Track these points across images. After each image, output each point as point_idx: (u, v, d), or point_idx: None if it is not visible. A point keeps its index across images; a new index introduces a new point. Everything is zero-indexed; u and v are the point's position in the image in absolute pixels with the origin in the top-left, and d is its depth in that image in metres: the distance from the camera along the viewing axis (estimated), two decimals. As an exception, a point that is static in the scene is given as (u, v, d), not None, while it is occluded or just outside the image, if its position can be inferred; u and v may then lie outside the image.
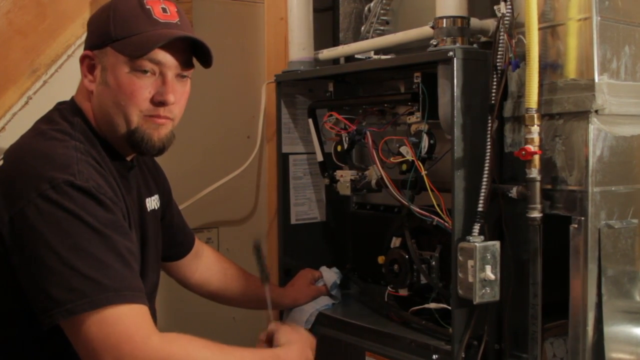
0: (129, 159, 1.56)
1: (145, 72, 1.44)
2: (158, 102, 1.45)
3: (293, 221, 2.12)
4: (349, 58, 2.06)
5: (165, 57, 1.45)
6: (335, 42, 2.24)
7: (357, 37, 2.16)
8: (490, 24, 1.67)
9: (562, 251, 1.51)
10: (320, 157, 2.03)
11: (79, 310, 1.26)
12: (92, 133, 1.48)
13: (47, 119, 1.50)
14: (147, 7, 1.45)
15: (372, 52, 1.98)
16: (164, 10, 1.47)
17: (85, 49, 1.50)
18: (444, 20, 1.61)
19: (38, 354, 1.43)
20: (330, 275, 2.03)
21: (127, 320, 1.29)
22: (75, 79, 1.98)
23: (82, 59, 1.49)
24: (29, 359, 1.43)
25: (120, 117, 1.45)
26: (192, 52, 1.50)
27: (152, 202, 1.67)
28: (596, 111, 1.44)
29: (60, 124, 1.46)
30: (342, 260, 2.15)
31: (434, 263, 1.77)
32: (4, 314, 1.40)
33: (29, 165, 1.34)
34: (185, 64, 1.49)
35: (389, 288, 1.85)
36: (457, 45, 1.58)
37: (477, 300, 1.52)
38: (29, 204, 1.30)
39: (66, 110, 1.50)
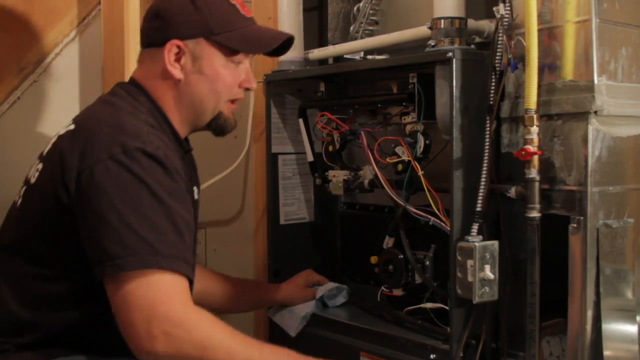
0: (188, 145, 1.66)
1: (242, 62, 1.57)
2: (246, 88, 1.60)
3: (282, 221, 2.11)
4: (338, 58, 2.07)
5: None
6: (322, 42, 2.24)
7: (345, 37, 2.16)
8: (485, 25, 1.69)
9: (557, 250, 1.53)
10: (310, 157, 2.03)
11: (127, 267, 1.31)
12: (161, 116, 1.55)
13: (112, 93, 1.57)
14: (232, 2, 1.57)
15: (362, 52, 1.98)
16: (243, 5, 1.59)
17: (167, 38, 1.52)
18: (442, 21, 1.61)
19: (80, 313, 1.45)
20: (329, 286, 1.99)
21: (168, 285, 1.33)
22: (65, 78, 1.96)
23: (170, 47, 1.52)
24: (71, 317, 1.44)
25: (212, 102, 1.56)
26: None
27: (196, 193, 1.72)
28: (595, 112, 1.46)
29: (126, 99, 1.53)
30: (331, 260, 2.15)
31: (427, 263, 1.77)
32: (54, 267, 1.44)
33: (103, 132, 1.40)
34: None
35: (383, 288, 1.85)
36: (456, 46, 1.59)
37: (476, 299, 1.53)
38: (98, 163, 1.35)
39: (130, 89, 1.56)
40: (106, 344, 1.44)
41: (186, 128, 1.60)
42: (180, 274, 1.35)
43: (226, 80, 1.55)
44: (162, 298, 1.31)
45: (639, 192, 1.56)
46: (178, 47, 1.52)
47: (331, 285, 1.98)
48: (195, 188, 1.70)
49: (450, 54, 1.56)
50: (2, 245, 1.50)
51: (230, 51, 1.54)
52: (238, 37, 1.54)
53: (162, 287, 1.32)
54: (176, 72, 1.53)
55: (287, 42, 1.65)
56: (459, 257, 1.55)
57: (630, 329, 1.53)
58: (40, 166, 1.47)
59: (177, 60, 1.53)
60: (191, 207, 1.48)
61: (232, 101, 1.59)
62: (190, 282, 1.38)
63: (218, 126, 1.60)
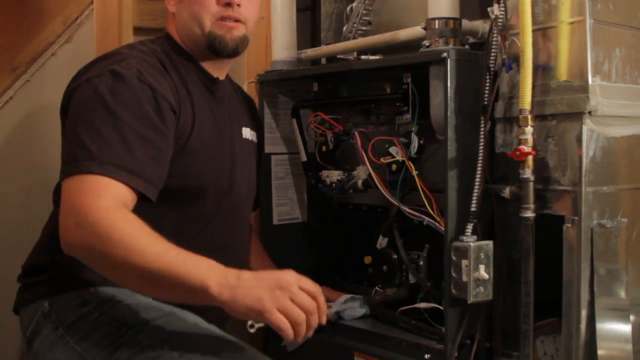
0: (215, 74, 1.73)
1: None
2: (224, 3, 1.62)
3: (275, 222, 2.11)
4: (331, 58, 2.07)
5: None
6: (315, 42, 2.24)
7: (338, 37, 2.15)
8: (479, 25, 1.69)
9: (549, 249, 1.53)
10: (304, 157, 2.03)
11: (67, 173, 1.41)
12: (176, 48, 1.68)
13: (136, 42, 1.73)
14: None
15: (355, 52, 1.99)
16: None
17: None
18: (437, 21, 1.62)
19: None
20: (341, 299, 1.88)
21: (93, 185, 1.38)
22: (58, 78, 1.95)
23: None
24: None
25: (196, 25, 1.64)
26: None
27: (249, 133, 1.84)
28: (589, 112, 1.46)
29: (142, 42, 1.68)
30: (324, 260, 2.15)
31: (421, 263, 1.78)
32: None
33: (92, 62, 1.58)
34: None
35: (377, 288, 1.85)
36: (451, 46, 1.59)
37: (471, 299, 1.53)
38: (78, 86, 1.51)
39: (156, 37, 1.72)
40: None
41: (204, 57, 1.69)
42: (115, 178, 1.39)
43: (201, 1, 1.62)
44: (81, 195, 1.37)
45: (632, 192, 1.57)
46: None
47: (343, 297, 1.88)
48: (250, 130, 1.84)
49: (444, 54, 1.56)
50: None
51: None
52: None
53: (87, 187, 1.37)
54: (170, 7, 1.69)
55: None
56: (453, 257, 1.55)
57: (624, 328, 1.54)
58: None
59: None
60: (159, 124, 1.49)
61: (222, 20, 1.64)
62: (141, 193, 1.43)
63: (210, 45, 1.65)
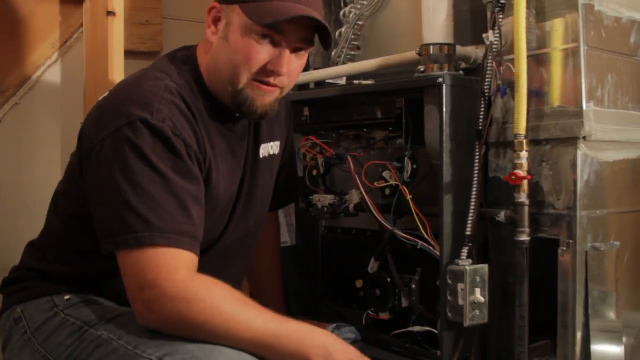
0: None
1: (265, 37, 1.45)
2: (270, 70, 1.47)
3: (264, 246, 2.10)
4: (318, 82, 2.08)
5: (288, 29, 1.45)
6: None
7: (326, 61, 2.17)
8: (471, 51, 1.71)
9: (542, 272, 1.55)
10: (294, 181, 2.02)
11: (124, 245, 1.34)
12: (200, 84, 1.53)
13: (159, 60, 1.59)
14: None
15: (344, 77, 2.00)
16: None
17: (214, 1, 1.52)
18: (431, 47, 1.64)
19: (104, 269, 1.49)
20: (330, 329, 1.85)
21: (162, 259, 1.34)
22: (48, 101, 1.94)
23: (210, 9, 1.51)
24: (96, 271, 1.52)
25: (230, 76, 1.48)
26: (314, 31, 1.50)
27: (270, 147, 1.73)
28: (584, 137, 1.49)
29: (166, 66, 1.53)
30: (312, 284, 2.14)
31: (413, 286, 1.78)
32: (78, 229, 1.52)
33: (118, 100, 1.44)
34: (306, 40, 1.50)
35: (369, 311, 1.85)
36: (445, 71, 1.61)
37: (467, 322, 1.54)
38: (107, 137, 1.38)
39: (180, 57, 1.57)
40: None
41: (226, 100, 1.53)
42: (179, 247, 1.35)
43: (244, 52, 1.46)
44: (154, 270, 1.33)
45: (624, 215, 1.60)
46: (216, 9, 1.50)
47: (330, 327, 1.86)
48: (272, 143, 1.73)
49: (440, 79, 1.57)
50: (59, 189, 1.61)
51: (254, 22, 1.44)
52: (262, 8, 1.44)
53: (156, 262, 1.34)
54: (210, 34, 1.51)
55: (325, 31, 1.49)
56: (449, 281, 1.56)
57: (617, 349, 1.56)
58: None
59: (215, 23, 1.51)
60: (200, 182, 1.45)
61: (260, 82, 1.48)
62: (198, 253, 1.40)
63: (237, 105, 1.50)
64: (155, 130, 1.37)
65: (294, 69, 1.52)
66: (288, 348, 1.37)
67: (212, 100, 1.53)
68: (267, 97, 1.51)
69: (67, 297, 1.52)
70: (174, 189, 1.37)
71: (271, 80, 1.49)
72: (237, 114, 1.56)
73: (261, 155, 1.69)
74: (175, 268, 1.34)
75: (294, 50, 1.49)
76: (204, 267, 1.44)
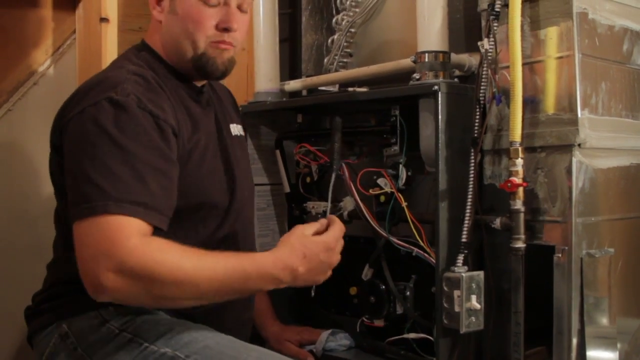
0: (199, 84, 1.68)
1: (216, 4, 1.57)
2: (222, 28, 1.58)
3: (257, 253, 2.10)
4: (311, 90, 2.08)
5: None
6: (294, 74, 2.26)
7: (318, 69, 2.18)
8: (465, 59, 1.72)
9: (538, 278, 1.56)
10: (287, 189, 2.03)
11: (78, 215, 1.35)
12: (159, 61, 1.61)
13: (113, 61, 1.65)
14: None
15: (337, 84, 2.01)
16: None
17: None
18: (426, 55, 1.64)
19: None
20: (323, 337, 1.89)
21: (115, 228, 1.34)
22: (41, 108, 1.93)
23: None
24: None
25: (188, 43, 1.58)
26: None
27: (236, 129, 1.79)
28: (579, 145, 1.50)
29: (122, 60, 1.61)
30: (304, 291, 2.13)
31: (408, 293, 1.78)
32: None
33: (82, 92, 1.48)
34: None
35: (363, 319, 1.85)
36: (441, 79, 1.62)
37: (463, 329, 1.54)
38: (72, 118, 1.44)
39: (132, 49, 1.65)
40: None
41: (189, 70, 1.62)
42: (134, 216, 1.36)
43: (195, 19, 1.56)
44: (107, 238, 1.33)
45: (617, 222, 1.61)
46: None
47: (325, 334, 1.89)
48: (237, 126, 1.80)
49: (436, 87, 1.58)
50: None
51: None
52: None
53: (109, 228, 1.33)
54: (157, 14, 1.61)
55: None
56: (445, 288, 1.57)
57: (611, 356, 1.57)
58: None
59: (159, 3, 1.61)
60: (167, 151, 1.47)
61: (218, 43, 1.58)
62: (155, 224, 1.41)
63: (200, 67, 1.59)
64: (118, 105, 1.41)
65: (242, 24, 1.62)
66: (256, 280, 1.43)
67: (173, 72, 1.62)
68: (225, 54, 1.60)
69: (113, 308, 1.50)
70: (133, 161, 1.38)
71: (225, 37, 1.59)
72: (201, 77, 1.65)
73: (233, 133, 1.76)
74: (127, 236, 1.34)
75: (238, 6, 1.60)
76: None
